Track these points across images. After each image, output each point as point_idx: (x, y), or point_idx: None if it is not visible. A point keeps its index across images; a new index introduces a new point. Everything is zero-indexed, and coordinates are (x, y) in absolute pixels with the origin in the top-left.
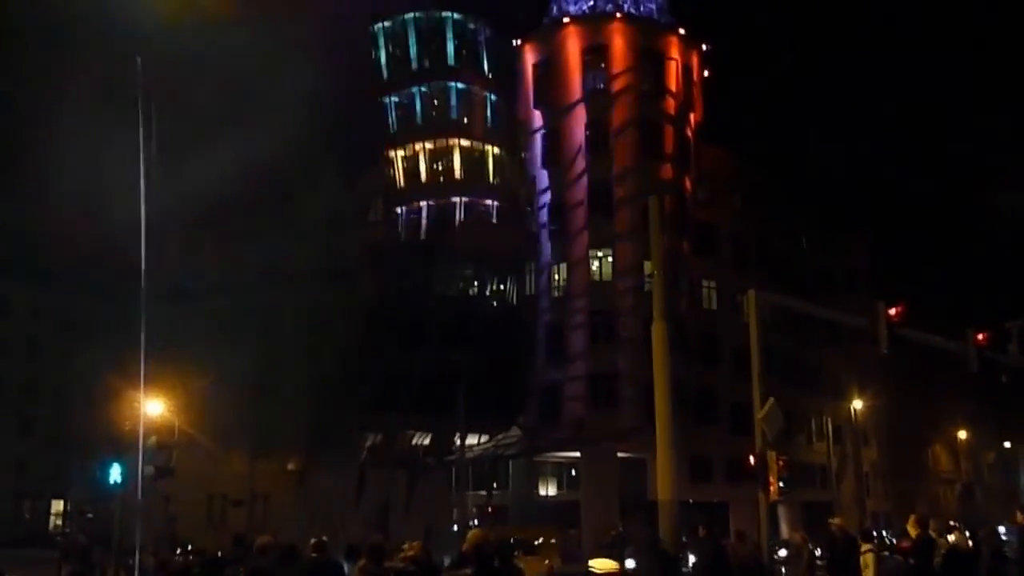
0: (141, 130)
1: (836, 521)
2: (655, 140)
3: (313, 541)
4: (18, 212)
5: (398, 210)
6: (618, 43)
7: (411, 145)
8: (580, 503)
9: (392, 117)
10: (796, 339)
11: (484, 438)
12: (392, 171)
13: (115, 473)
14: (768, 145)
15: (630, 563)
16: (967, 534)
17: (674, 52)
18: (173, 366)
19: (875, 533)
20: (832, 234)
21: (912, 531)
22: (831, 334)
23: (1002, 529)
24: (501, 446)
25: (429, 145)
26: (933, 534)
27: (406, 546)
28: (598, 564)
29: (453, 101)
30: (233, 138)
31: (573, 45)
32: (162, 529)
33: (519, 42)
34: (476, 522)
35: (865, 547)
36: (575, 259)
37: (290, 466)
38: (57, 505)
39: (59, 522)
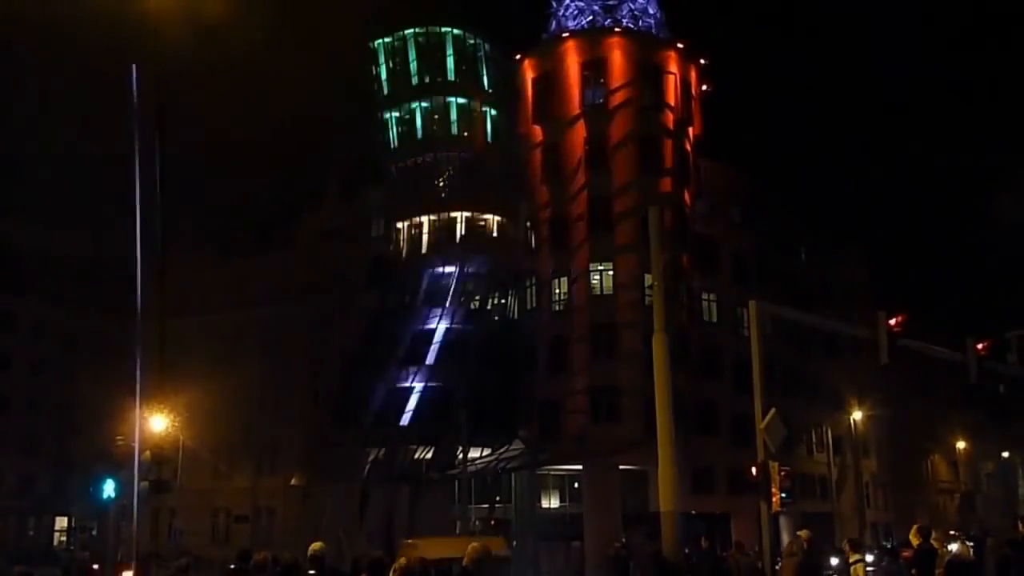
0: (136, 141)
1: (803, 533)
2: (654, 154)
3: (310, 556)
4: (22, 228)
5: (400, 224)
6: (617, 58)
7: (412, 160)
8: (583, 515)
9: (393, 132)
10: (796, 351)
11: (486, 452)
12: (393, 186)
13: (108, 488)
14: (767, 158)
15: None
16: (970, 544)
17: (673, 66)
18: (177, 381)
19: (862, 542)
20: (831, 246)
21: (914, 541)
22: (830, 346)
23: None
24: (503, 459)
25: (430, 160)
26: (935, 544)
27: (402, 561)
28: None
29: (453, 116)
30: (235, 156)
31: (572, 60)
32: (169, 544)
33: (518, 57)
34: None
35: (854, 557)
36: (575, 273)
37: (294, 481)
38: (61, 522)
39: (63, 538)
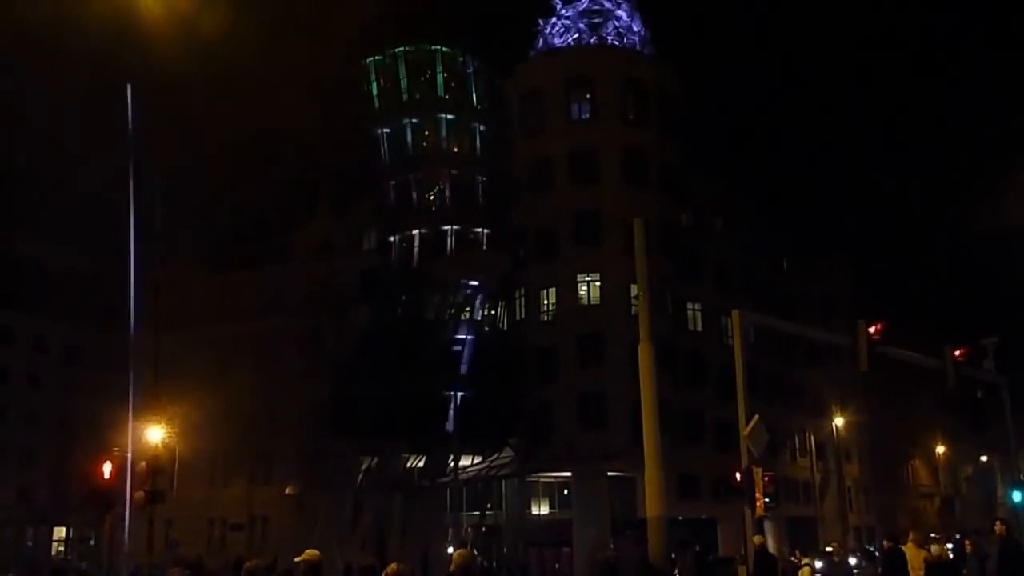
0: (131, 155)
1: (756, 540)
2: (639, 167)
3: (307, 564)
4: (20, 242)
5: (391, 238)
6: (602, 74)
7: (403, 175)
8: (572, 522)
9: (384, 148)
10: (779, 359)
11: (477, 460)
12: (385, 201)
13: None
14: (749, 170)
15: None
16: (948, 546)
17: (657, 82)
18: (173, 393)
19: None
20: (813, 256)
21: (886, 544)
22: (813, 353)
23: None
24: (494, 467)
25: (420, 175)
26: (911, 547)
27: (392, 567)
28: None
29: (443, 132)
30: (229, 171)
31: (558, 76)
32: (165, 554)
33: (506, 74)
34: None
35: (804, 561)
36: (563, 284)
37: (288, 490)
38: (59, 532)
39: (61, 549)
